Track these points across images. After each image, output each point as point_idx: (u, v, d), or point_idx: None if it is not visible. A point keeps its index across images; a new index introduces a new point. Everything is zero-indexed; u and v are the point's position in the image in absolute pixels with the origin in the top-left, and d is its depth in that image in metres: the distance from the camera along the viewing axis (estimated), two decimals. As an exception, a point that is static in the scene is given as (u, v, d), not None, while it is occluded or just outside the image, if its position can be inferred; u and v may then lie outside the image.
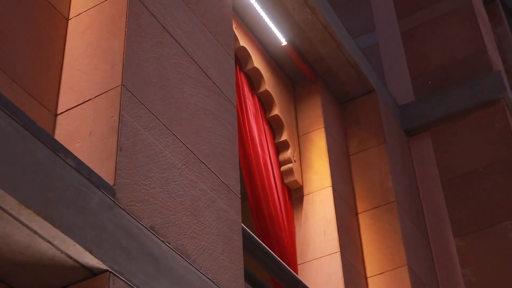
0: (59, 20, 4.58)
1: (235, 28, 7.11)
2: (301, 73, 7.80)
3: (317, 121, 7.60)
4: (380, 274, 7.11)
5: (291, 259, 6.84)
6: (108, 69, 4.25)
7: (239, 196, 4.83)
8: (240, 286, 4.44)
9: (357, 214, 7.47)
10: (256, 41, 7.39)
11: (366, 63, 8.07)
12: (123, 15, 4.39)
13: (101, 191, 3.67)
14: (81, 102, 4.22)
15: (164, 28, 4.70)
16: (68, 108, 4.26)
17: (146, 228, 3.89)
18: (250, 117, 6.94)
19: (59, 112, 4.27)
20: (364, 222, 7.41)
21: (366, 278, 7.13)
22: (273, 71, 7.52)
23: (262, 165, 6.82)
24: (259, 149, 6.85)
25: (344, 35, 7.75)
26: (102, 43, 4.39)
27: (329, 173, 7.25)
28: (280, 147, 7.31)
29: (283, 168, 7.22)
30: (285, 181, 7.19)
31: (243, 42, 7.16)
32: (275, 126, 7.37)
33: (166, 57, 4.60)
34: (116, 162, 3.87)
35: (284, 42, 7.48)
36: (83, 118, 4.16)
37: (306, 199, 7.22)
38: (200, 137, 4.64)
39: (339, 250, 6.83)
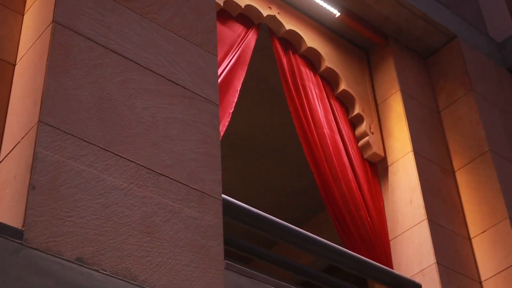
0: (5, 68, 4.66)
1: (278, 13, 6.88)
2: (370, 40, 7.39)
3: (393, 85, 7.19)
4: (483, 232, 6.59)
5: (382, 236, 6.51)
6: (31, 107, 4.26)
7: (219, 198, 4.66)
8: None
9: (454, 172, 6.96)
10: (307, 20, 7.12)
11: (443, 8, 7.49)
12: (46, 50, 4.39)
13: (2, 236, 3.68)
14: (14, 146, 4.27)
15: (106, 48, 4.64)
16: (5, 154, 4.32)
17: (69, 261, 3.85)
18: (313, 99, 6.69)
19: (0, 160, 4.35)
20: (462, 180, 6.89)
21: (470, 239, 6.62)
22: (333, 45, 7.20)
23: (331, 147, 6.55)
24: (326, 130, 6.58)
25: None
26: (31, 81, 4.42)
27: (409, 137, 6.81)
28: (355, 122, 6.98)
29: (360, 143, 6.89)
30: (364, 156, 6.85)
31: (290, 25, 6.92)
32: (346, 101, 7.06)
33: (108, 78, 4.55)
34: (26, 203, 3.86)
35: (337, 13, 7.13)
36: (12, 162, 4.20)
37: (390, 169, 6.85)
38: (158, 149, 4.53)
39: (426, 217, 6.39)
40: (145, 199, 4.31)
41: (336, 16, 7.13)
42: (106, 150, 4.29)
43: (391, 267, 6.40)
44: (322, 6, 7.05)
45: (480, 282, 6.41)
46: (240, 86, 6.29)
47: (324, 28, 7.20)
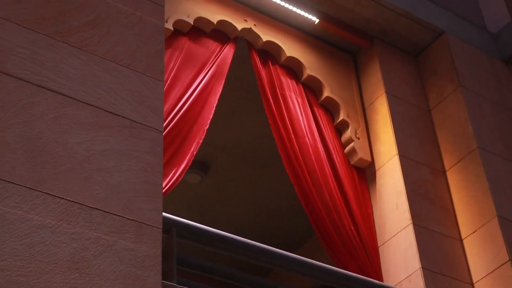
0: None
1: (254, 25, 6.87)
2: (354, 44, 7.31)
3: (379, 87, 7.11)
4: (473, 232, 6.45)
5: (370, 244, 6.44)
6: (-42, 153, 4.35)
7: (159, 226, 4.68)
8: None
9: (445, 172, 6.83)
10: (286, 29, 7.08)
11: (429, 4, 7.35)
12: (-29, 96, 4.48)
13: None
14: None
15: (39, 86, 4.71)
16: None
17: (-12, 304, 3.92)
18: (294, 109, 6.66)
19: None
20: (452, 179, 6.76)
21: (461, 240, 6.49)
22: (315, 52, 7.14)
23: (313, 156, 6.50)
24: (308, 140, 6.54)
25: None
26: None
27: (394, 140, 6.71)
28: (341, 128, 6.92)
29: (346, 149, 6.82)
30: (351, 162, 6.78)
31: (268, 36, 6.90)
32: (331, 108, 7.00)
33: (39, 116, 4.60)
34: None
35: (316, 19, 7.07)
36: None
37: (378, 174, 6.76)
38: (92, 182, 4.57)
39: (411, 221, 6.30)
40: (75, 235, 4.35)
41: (316, 23, 7.04)
42: (33, 189, 4.34)
43: (379, 275, 6.32)
44: (300, 14, 6.99)
45: (472, 284, 6.28)
46: (216, 102, 6.30)
47: (305, 35, 7.15)
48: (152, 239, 4.61)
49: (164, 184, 5.61)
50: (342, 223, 6.30)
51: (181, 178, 5.79)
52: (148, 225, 4.63)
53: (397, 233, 6.34)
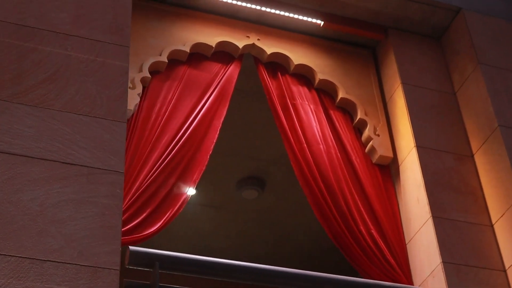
0: None
1: (258, 39, 6.90)
2: (369, 39, 7.17)
3: (395, 78, 6.93)
4: (502, 216, 6.17)
5: (396, 244, 6.30)
6: None
7: (116, 267, 4.83)
8: None
9: (472, 156, 6.56)
10: (292, 37, 7.05)
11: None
12: None
13: None
14: None
15: (-6, 150, 4.98)
16: None
17: None
18: (307, 117, 6.63)
19: None
20: (480, 162, 6.49)
21: (492, 226, 6.23)
22: (327, 55, 7.05)
23: (327, 163, 6.44)
24: (322, 147, 6.49)
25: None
26: None
27: (411, 132, 6.54)
28: (360, 127, 6.81)
29: (367, 148, 6.70)
30: (373, 161, 6.66)
31: (273, 48, 6.88)
32: (348, 109, 6.89)
33: (-5, 178, 4.86)
34: None
35: (321, 22, 7.00)
36: None
37: (401, 169, 6.61)
38: (45, 236, 4.77)
39: (430, 215, 6.12)
40: (26, 290, 4.57)
41: (321, 25, 6.96)
42: (-15, 251, 4.60)
43: (408, 275, 6.17)
44: (304, 20, 6.94)
45: (505, 271, 6.01)
46: (220, 124, 6.36)
47: (313, 39, 7.08)
48: (109, 281, 4.75)
49: (167, 214, 5.74)
50: (359, 228, 6.18)
51: (184, 206, 5.87)
52: (104, 268, 4.78)
53: (420, 228, 6.16)
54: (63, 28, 5.67)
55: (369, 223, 6.24)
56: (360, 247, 6.14)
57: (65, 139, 5.18)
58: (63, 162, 5.09)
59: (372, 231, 6.21)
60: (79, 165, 5.11)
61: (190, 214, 8.62)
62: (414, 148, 6.43)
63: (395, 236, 6.31)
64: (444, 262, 5.88)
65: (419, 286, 6.06)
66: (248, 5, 6.83)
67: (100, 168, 5.14)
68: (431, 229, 6.05)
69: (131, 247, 5.37)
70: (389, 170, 6.68)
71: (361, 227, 6.18)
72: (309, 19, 6.94)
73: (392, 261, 6.15)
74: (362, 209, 6.27)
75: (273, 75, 6.85)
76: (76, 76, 5.48)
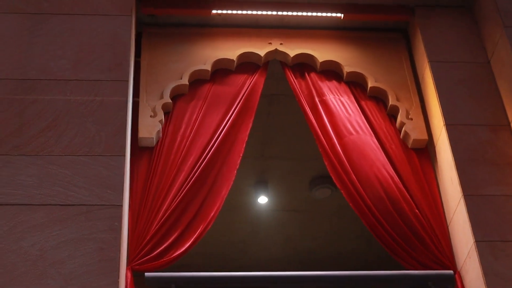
0: None
1: (281, 44, 6.94)
2: (398, 21, 7.04)
3: (423, 58, 6.76)
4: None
5: (437, 228, 6.14)
6: None
7: (111, 301, 5.04)
8: None
9: (509, 124, 6.29)
10: (315, 35, 7.03)
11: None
12: None
13: None
14: None
15: (-3, 203, 5.35)
16: None
17: None
18: (337, 110, 6.59)
19: None
20: (520, 130, 6.23)
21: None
22: (353, 47, 6.97)
23: (361, 150, 6.36)
24: (354, 137, 6.43)
25: None
26: None
27: (440, 110, 6.37)
28: (394, 113, 6.69)
29: (401, 134, 6.58)
30: (409, 146, 6.53)
31: (297, 49, 6.89)
32: (380, 97, 6.80)
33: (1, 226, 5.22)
34: None
35: (341, 15, 6.94)
36: None
37: (437, 150, 6.44)
38: (45, 278, 5.03)
39: (462, 194, 5.94)
40: (27, 332, 4.86)
41: (342, 18, 6.90)
42: (-12, 300, 4.95)
43: (451, 258, 6.00)
44: (324, 16, 6.90)
45: (548, 240, 5.73)
46: (247, 137, 6.45)
47: (338, 33, 7.02)
48: (108, 314, 4.96)
49: (198, 232, 5.90)
50: (400, 215, 6.06)
51: (213, 221, 5.99)
52: (105, 301, 4.99)
53: (455, 209, 5.98)
54: (63, 74, 5.94)
55: (409, 210, 6.09)
56: (400, 236, 6.01)
57: (65, 181, 5.44)
58: (62, 205, 5.35)
59: (412, 217, 6.06)
60: (78, 204, 5.35)
61: (275, 220, 8.72)
62: (443, 127, 6.23)
63: (436, 219, 6.14)
64: (477, 241, 5.67)
65: (460, 269, 5.86)
66: (266, 12, 6.86)
67: (98, 204, 5.36)
68: (463, 209, 5.85)
69: (146, 274, 5.56)
70: (427, 152, 6.49)
71: (402, 213, 6.05)
72: (329, 14, 6.84)
73: (437, 243, 6.00)
74: (400, 196, 6.13)
75: (301, 75, 6.84)
76: (75, 119, 5.73)
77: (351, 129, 6.44)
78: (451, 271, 5.75)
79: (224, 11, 6.82)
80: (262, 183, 8.73)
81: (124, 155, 5.59)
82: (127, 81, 5.95)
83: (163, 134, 6.37)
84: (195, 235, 5.93)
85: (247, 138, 6.44)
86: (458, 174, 5.97)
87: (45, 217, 5.28)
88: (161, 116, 6.37)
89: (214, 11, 6.82)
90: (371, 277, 5.64)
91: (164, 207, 5.96)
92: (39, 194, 5.37)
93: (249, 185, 8.64)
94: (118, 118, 5.76)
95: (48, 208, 5.32)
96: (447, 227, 6.12)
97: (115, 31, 6.17)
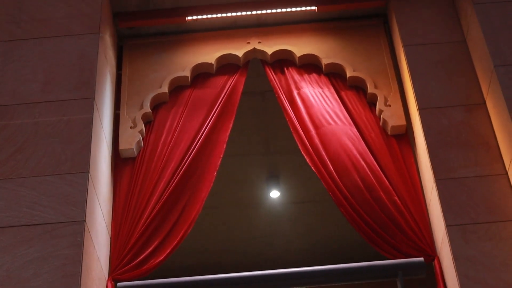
0: None
1: (259, 42, 6.99)
2: (371, 9, 6.99)
3: (398, 41, 6.70)
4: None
5: (417, 215, 6.09)
6: None
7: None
8: None
9: (484, 103, 6.16)
10: (292, 30, 7.05)
11: None
12: None
13: None
14: None
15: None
16: None
17: None
18: (315, 102, 6.60)
19: None
20: (490, 107, 6.08)
21: (506, 173, 5.83)
22: (331, 38, 6.95)
23: (339, 140, 6.35)
24: (333, 126, 6.43)
25: None
26: None
27: (414, 94, 6.30)
28: (373, 101, 6.65)
29: (381, 122, 6.54)
30: (389, 133, 6.48)
31: (276, 46, 6.93)
32: (360, 86, 6.76)
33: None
34: None
35: (315, 7, 6.94)
36: None
37: (414, 135, 6.38)
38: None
39: (434, 178, 5.87)
40: None
41: (316, 10, 6.89)
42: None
43: (430, 244, 5.95)
44: (298, 10, 6.91)
45: (521, 219, 5.61)
46: (227, 138, 6.52)
47: (316, 25, 7.01)
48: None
49: (179, 237, 6.06)
50: (378, 204, 6.04)
51: (193, 225, 6.11)
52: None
53: (431, 194, 5.92)
54: (33, 97, 6.13)
55: (387, 198, 6.05)
56: (380, 226, 5.99)
57: (32, 202, 5.63)
58: (29, 225, 5.54)
59: (390, 206, 6.02)
60: (43, 224, 5.53)
61: (292, 213, 8.75)
62: (417, 111, 6.15)
63: (416, 205, 6.08)
64: (448, 225, 5.61)
65: (438, 254, 5.80)
66: (241, 13, 6.91)
67: (62, 222, 5.54)
68: (436, 194, 5.78)
69: (119, 283, 5.71)
70: (407, 138, 6.43)
71: (380, 202, 6.01)
72: (303, 8, 6.85)
73: (417, 230, 5.94)
74: (378, 185, 6.09)
75: (281, 71, 6.87)
76: (43, 140, 5.91)
77: (329, 119, 6.44)
78: (421, 258, 5.68)
79: (200, 17, 6.86)
80: (273, 178, 8.78)
81: (87, 171, 5.73)
82: (93, 98, 6.08)
83: (144, 144, 6.50)
84: (176, 240, 6.05)
85: (227, 138, 6.50)
86: (430, 158, 5.89)
87: (12, 238, 5.47)
88: (141, 126, 6.50)
89: (189, 18, 6.86)
90: (340, 271, 5.61)
91: (145, 216, 6.11)
92: (7, 216, 5.56)
93: (261, 181, 8.69)
94: (83, 136, 5.91)
95: (16, 230, 5.51)
96: (427, 213, 6.03)
97: (83, 50, 6.31)
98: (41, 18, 6.52)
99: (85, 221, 5.53)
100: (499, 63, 5.91)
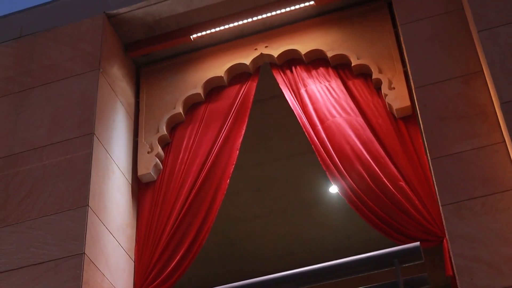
0: None
1: (266, 47, 6.96)
2: (373, -1, 6.82)
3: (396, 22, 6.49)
4: (505, 128, 5.45)
5: (425, 194, 5.88)
6: None
7: None
8: None
9: (481, 70, 5.85)
10: (297, 28, 6.96)
11: None
12: None
13: None
14: None
15: None
16: None
17: None
18: (321, 96, 6.51)
19: None
20: (487, 75, 5.80)
21: (504, 141, 5.51)
22: (335, 29, 6.80)
23: (341, 134, 6.24)
24: (339, 119, 6.33)
25: None
26: None
27: (410, 74, 6.09)
28: (379, 87, 6.48)
29: (388, 107, 6.36)
30: (397, 116, 6.29)
31: (282, 47, 6.87)
32: (366, 73, 6.60)
33: None
34: None
35: (311, 2, 6.84)
36: None
37: (418, 114, 6.15)
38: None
39: (429, 158, 5.66)
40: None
41: (314, 4, 6.79)
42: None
43: (439, 226, 5.69)
44: (297, 8, 6.83)
45: (518, 188, 5.29)
46: (239, 144, 6.54)
47: (318, 19, 6.90)
48: None
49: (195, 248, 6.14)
50: (382, 191, 5.86)
51: (208, 233, 6.19)
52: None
53: (433, 174, 5.69)
54: (40, 142, 6.37)
55: (398, 177, 5.85)
56: (388, 215, 5.81)
57: (39, 242, 5.86)
58: (36, 264, 5.78)
59: (401, 183, 5.82)
60: (48, 261, 5.74)
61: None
62: (413, 90, 5.95)
63: (424, 187, 5.84)
64: (443, 205, 5.37)
65: (447, 237, 5.54)
66: (246, 20, 6.91)
67: (64, 257, 5.73)
68: (432, 173, 5.56)
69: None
70: (415, 119, 6.19)
71: (387, 182, 5.83)
72: (302, 5, 6.76)
73: (425, 212, 5.72)
74: (384, 171, 5.92)
75: (290, 71, 6.81)
76: (49, 181, 6.14)
77: (334, 112, 6.33)
78: (418, 243, 5.42)
79: (204, 32, 6.91)
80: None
81: (87, 205, 5.89)
82: (92, 133, 6.24)
83: (163, 166, 6.62)
84: (192, 252, 6.12)
85: (239, 145, 6.50)
86: (425, 137, 5.68)
87: (22, 279, 5.71)
88: (157, 150, 6.62)
89: (193, 36, 6.93)
90: (335, 267, 5.45)
91: (165, 234, 6.23)
92: (18, 258, 5.82)
93: (320, 179, 8.58)
94: (83, 171, 6.08)
95: (24, 270, 5.75)
96: (436, 193, 5.77)
97: (84, 88, 6.50)
98: (49, 64, 6.76)
99: (84, 253, 5.66)
100: (483, 27, 5.60)
